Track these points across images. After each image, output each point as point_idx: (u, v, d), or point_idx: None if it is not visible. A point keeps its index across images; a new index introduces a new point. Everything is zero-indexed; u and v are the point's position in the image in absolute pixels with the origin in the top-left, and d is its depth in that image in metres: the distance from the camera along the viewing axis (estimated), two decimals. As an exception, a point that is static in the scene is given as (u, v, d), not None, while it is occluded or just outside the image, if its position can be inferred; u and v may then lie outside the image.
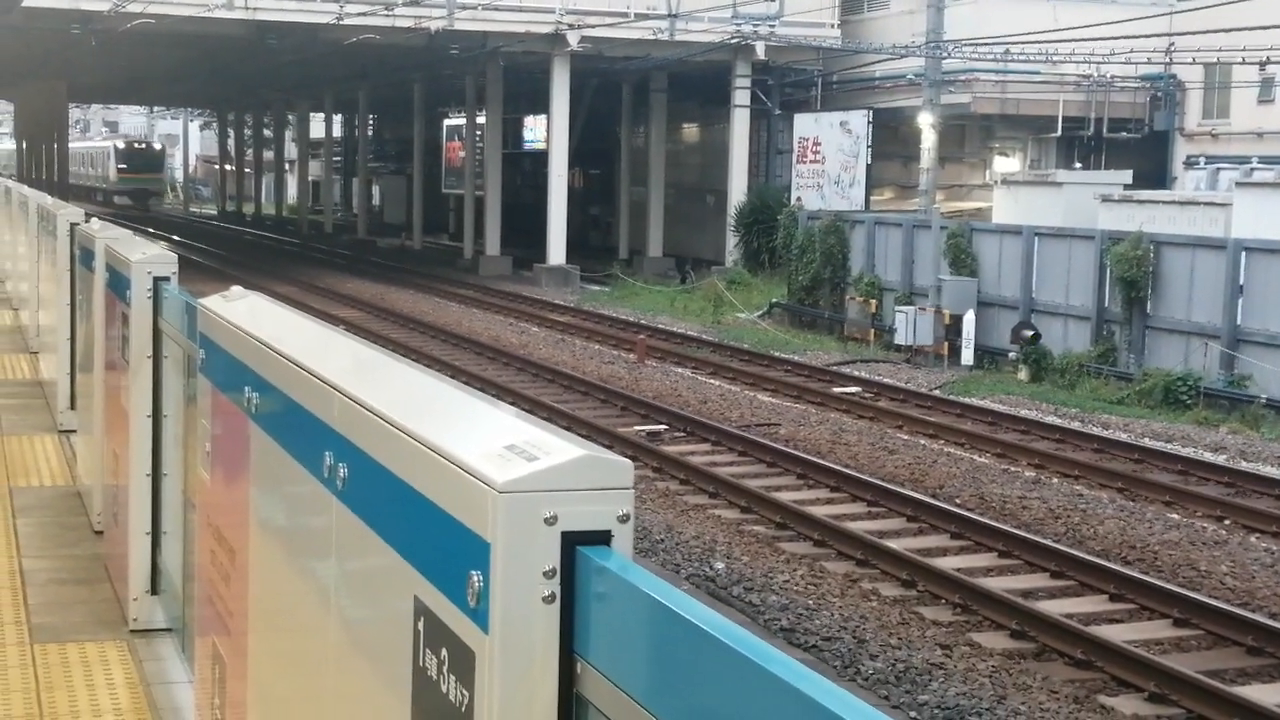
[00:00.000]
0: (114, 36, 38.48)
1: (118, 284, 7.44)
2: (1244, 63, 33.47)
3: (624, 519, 2.20)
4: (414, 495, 2.50)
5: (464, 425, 2.56)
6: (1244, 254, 22.97)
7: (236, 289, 4.98)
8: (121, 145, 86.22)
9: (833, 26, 41.40)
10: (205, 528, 4.84)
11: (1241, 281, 22.97)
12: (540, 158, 43.21)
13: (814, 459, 17.44)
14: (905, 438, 19.52)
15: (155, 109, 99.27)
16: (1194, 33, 32.40)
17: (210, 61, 48.60)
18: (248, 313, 4.49)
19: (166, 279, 6.83)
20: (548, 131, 42.98)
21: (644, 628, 2.03)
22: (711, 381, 24.15)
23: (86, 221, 10.27)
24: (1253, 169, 32.35)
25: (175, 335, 6.38)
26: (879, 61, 39.86)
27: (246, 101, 72.08)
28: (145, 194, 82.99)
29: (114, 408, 7.64)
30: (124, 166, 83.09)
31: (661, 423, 20.08)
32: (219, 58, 46.71)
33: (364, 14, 37.22)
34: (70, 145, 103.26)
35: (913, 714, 9.81)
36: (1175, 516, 15.43)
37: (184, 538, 6.30)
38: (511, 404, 2.57)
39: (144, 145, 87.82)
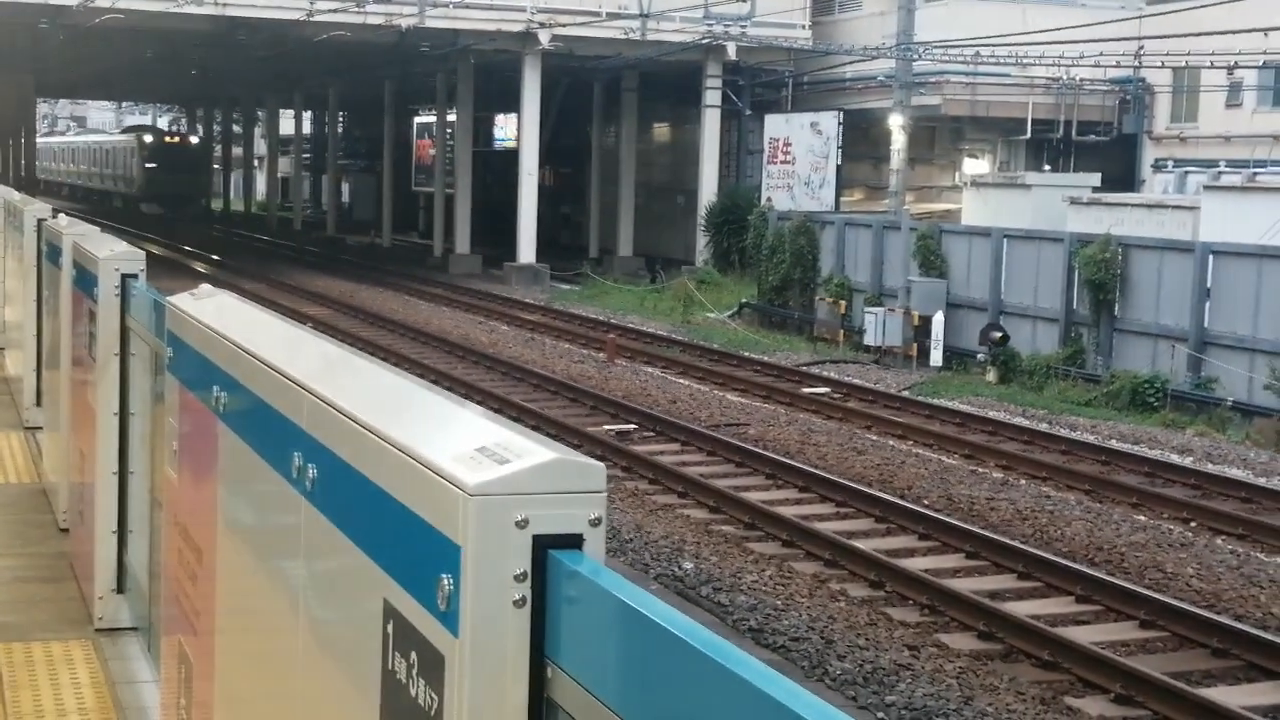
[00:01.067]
0: (82, 31, 38.28)
1: (85, 281, 7.41)
2: (1212, 67, 33.63)
3: (596, 522, 2.19)
4: (384, 497, 2.49)
5: (434, 426, 2.55)
6: (1211, 257, 23.09)
7: (205, 286, 4.96)
8: (150, 138, 69.11)
9: (804, 28, 41.46)
10: (172, 527, 4.82)
11: (1209, 284, 23.09)
12: (511, 156, 43.16)
13: (783, 459, 17.45)
14: (874, 438, 19.55)
15: (123, 104, 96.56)
16: (1163, 36, 32.54)
17: (179, 57, 48.35)
18: (216, 311, 4.47)
19: (134, 276, 6.80)
20: (518, 130, 42.92)
21: (615, 632, 2.02)
22: (681, 381, 24.15)
23: (54, 217, 10.21)
24: (1220, 172, 32.54)
25: (143, 333, 6.34)
26: (850, 63, 39.94)
27: (215, 97, 71.82)
28: (181, 201, 67.39)
29: (81, 405, 7.60)
30: (153, 165, 66.67)
31: (631, 422, 20.07)
32: (188, 53, 46.47)
33: (334, 10, 37.08)
34: (72, 139, 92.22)
35: (880, 715, 9.82)
36: (1142, 518, 15.49)
37: (150, 536, 6.27)
38: (480, 403, 2.56)
39: (178, 138, 71.66)
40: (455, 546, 2.17)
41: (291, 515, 3.10)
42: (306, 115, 68.80)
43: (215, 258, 45.20)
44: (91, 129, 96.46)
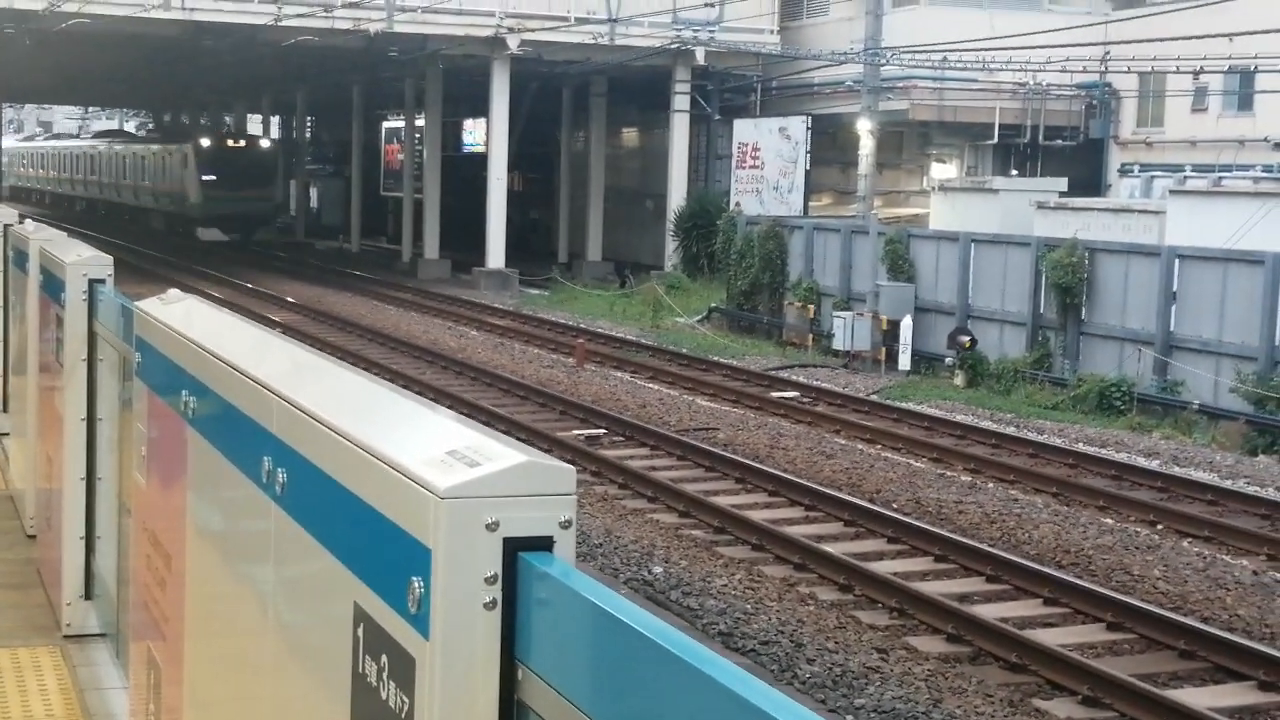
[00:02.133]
0: (49, 36, 38.08)
1: (52, 286, 7.38)
2: (1178, 72, 33.80)
3: (566, 525, 2.20)
4: (354, 501, 2.49)
5: (405, 430, 2.56)
6: (1177, 261, 23.22)
7: (173, 291, 4.95)
8: (208, 143, 53.81)
9: (772, 32, 41.54)
10: (141, 532, 4.80)
11: (1174, 288, 23.22)
12: (479, 161, 43.11)
13: (752, 463, 17.48)
14: (843, 442, 19.60)
15: (90, 109, 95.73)
16: (1129, 42, 32.71)
17: (146, 62, 48.17)
18: (185, 316, 4.46)
19: (102, 281, 6.78)
20: (487, 135, 42.86)
21: (586, 634, 2.03)
22: (650, 386, 24.16)
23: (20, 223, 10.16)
24: (1186, 177, 32.71)
25: (111, 338, 6.32)
26: (818, 68, 40.01)
27: (183, 102, 71.52)
28: (249, 224, 54.38)
29: (48, 411, 7.57)
30: (212, 178, 51.92)
31: (600, 427, 20.07)
32: (155, 58, 46.30)
33: (302, 15, 36.99)
34: (70, 144, 78.44)
35: (849, 718, 9.85)
36: (1109, 521, 15.57)
37: (119, 542, 6.24)
38: (449, 408, 2.57)
39: (244, 141, 55.74)
40: (426, 549, 2.17)
41: (261, 520, 3.10)
42: (274, 120, 68.49)
43: (183, 263, 45.01)
44: (108, 132, 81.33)
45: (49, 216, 48.15)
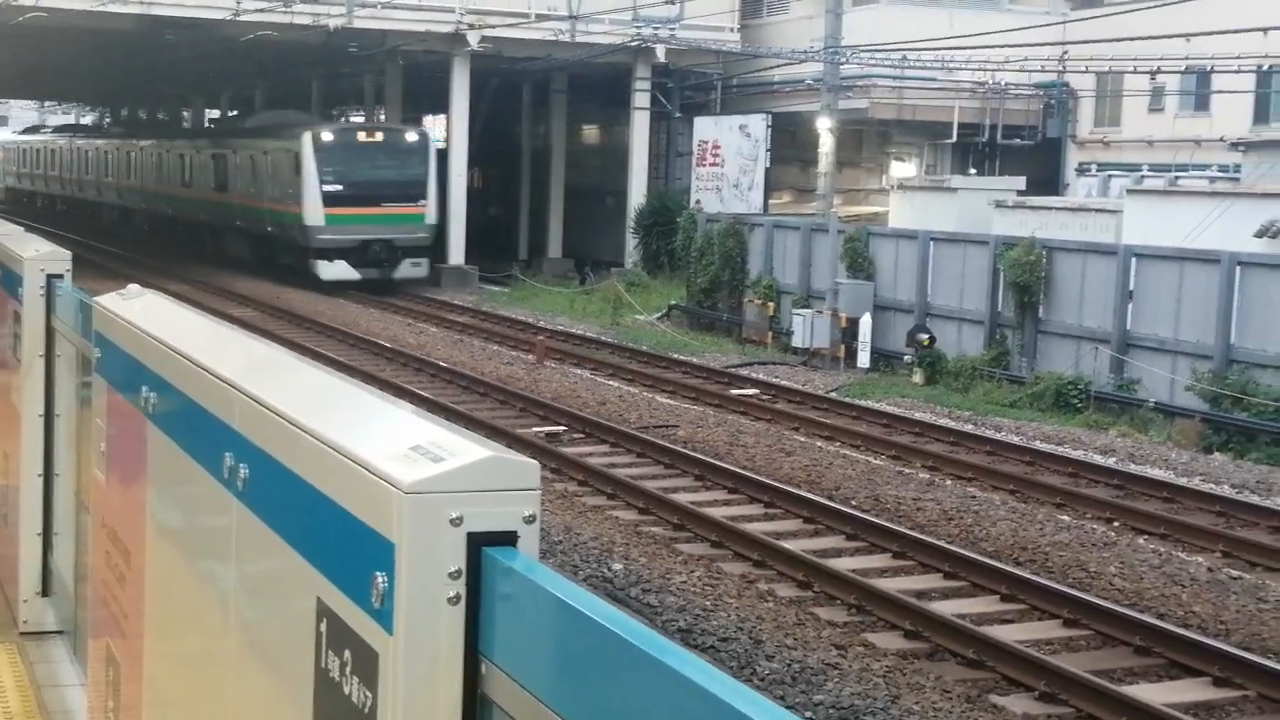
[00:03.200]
0: (5, 30, 37.78)
1: (9, 281, 7.33)
2: (1135, 71, 34.01)
3: (529, 520, 2.21)
4: (317, 496, 2.49)
5: (368, 425, 2.56)
6: (1134, 260, 23.38)
7: (133, 287, 4.93)
8: (332, 135, 38.12)
9: (732, 30, 41.59)
10: (100, 529, 4.78)
11: (1131, 287, 23.37)
12: (440, 157, 43.00)
13: (712, 460, 17.51)
14: (802, 439, 19.65)
15: (46, 104, 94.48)
16: (1086, 41, 32.88)
17: (104, 56, 47.80)
18: (144, 311, 4.45)
19: (60, 276, 6.74)
20: (447, 131, 42.75)
21: (549, 628, 2.04)
22: (610, 383, 24.16)
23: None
24: (1143, 176, 32.97)
25: (69, 334, 6.29)
26: (778, 66, 40.08)
27: (141, 97, 71.05)
28: (393, 255, 37.48)
29: (5, 407, 7.53)
30: (338, 188, 36.83)
31: (560, 424, 20.07)
32: (113, 52, 45.97)
33: (261, 10, 36.79)
34: (147, 140, 55.17)
35: (808, 714, 9.88)
36: (1066, 518, 15.66)
37: (76, 539, 6.21)
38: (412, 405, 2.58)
39: (380, 136, 38.66)
40: (390, 544, 2.18)
41: (223, 516, 3.10)
42: (233, 115, 68.10)
43: (139, 259, 44.70)
44: (147, 123, 65.99)
45: (63, 233, 42.81)
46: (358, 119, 54.03)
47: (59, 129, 77.77)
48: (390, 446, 2.32)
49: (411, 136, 38.78)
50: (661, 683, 1.78)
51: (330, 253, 37.04)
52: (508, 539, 2.19)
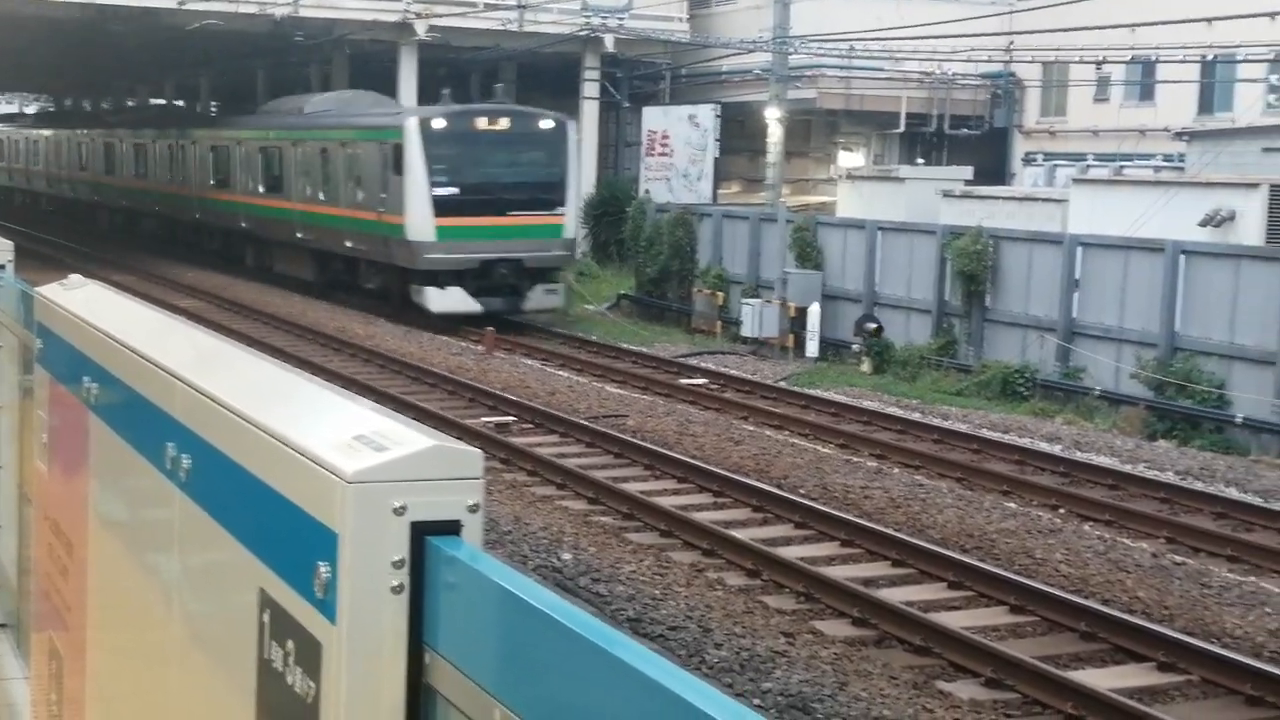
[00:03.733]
0: (-55, 17, 37.40)
1: (-50, 272, 7.25)
2: (1080, 62, 34.28)
3: (474, 509, 2.20)
4: (260, 486, 2.48)
5: (311, 416, 2.55)
6: (1079, 249, 23.54)
7: (75, 277, 4.89)
8: (444, 123, 29.30)
9: (681, 20, 41.62)
10: (42, 521, 4.75)
11: (1077, 276, 23.55)
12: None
13: (661, 450, 17.53)
14: (751, 429, 19.70)
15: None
16: (1033, 32, 33.11)
17: (49, 45, 47.37)
18: (87, 302, 4.41)
19: (2, 267, 6.67)
20: (395, 120, 42.37)
21: (494, 617, 2.04)
22: (560, 373, 24.15)
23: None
24: (1088, 166, 33.20)
25: (10, 325, 6.23)
26: (727, 56, 40.16)
27: (86, 86, 70.42)
28: (521, 279, 29.33)
29: (-54, 399, 7.44)
30: (453, 192, 28.96)
31: (510, 414, 20.05)
32: (57, 41, 45.54)
33: (207, -1, 36.62)
34: (185, 132, 44.32)
35: (756, 701, 9.91)
36: (1012, 505, 15.77)
37: (19, 531, 6.16)
38: (359, 395, 2.57)
39: (506, 122, 29.92)
40: (333, 534, 2.17)
41: (165, 507, 3.08)
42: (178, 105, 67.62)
43: (83, 249, 44.35)
44: (164, 110, 57.60)
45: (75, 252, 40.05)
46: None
47: (40, 118, 71.49)
48: (333, 436, 2.30)
49: (546, 123, 30.03)
50: (606, 671, 1.78)
51: (442, 277, 28.61)
52: (451, 528, 2.19)
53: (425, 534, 2.17)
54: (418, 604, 2.17)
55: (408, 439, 2.23)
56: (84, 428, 3.99)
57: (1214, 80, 36.08)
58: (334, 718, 2.18)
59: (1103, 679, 10.52)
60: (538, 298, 29.35)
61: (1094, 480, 16.98)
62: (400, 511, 2.15)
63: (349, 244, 31.61)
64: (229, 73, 54.01)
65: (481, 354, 25.76)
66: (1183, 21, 29.53)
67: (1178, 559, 13.84)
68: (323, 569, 2.18)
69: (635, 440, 18.07)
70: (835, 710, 9.77)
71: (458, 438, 2.32)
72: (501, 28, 39.25)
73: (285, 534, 2.36)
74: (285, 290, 35.44)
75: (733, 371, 24.70)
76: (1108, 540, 14.41)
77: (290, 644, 2.32)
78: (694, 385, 23.03)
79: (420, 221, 28.58)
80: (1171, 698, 10.39)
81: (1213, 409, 20.63)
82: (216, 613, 2.83)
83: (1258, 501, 16.26)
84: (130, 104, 62.09)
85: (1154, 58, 33.09)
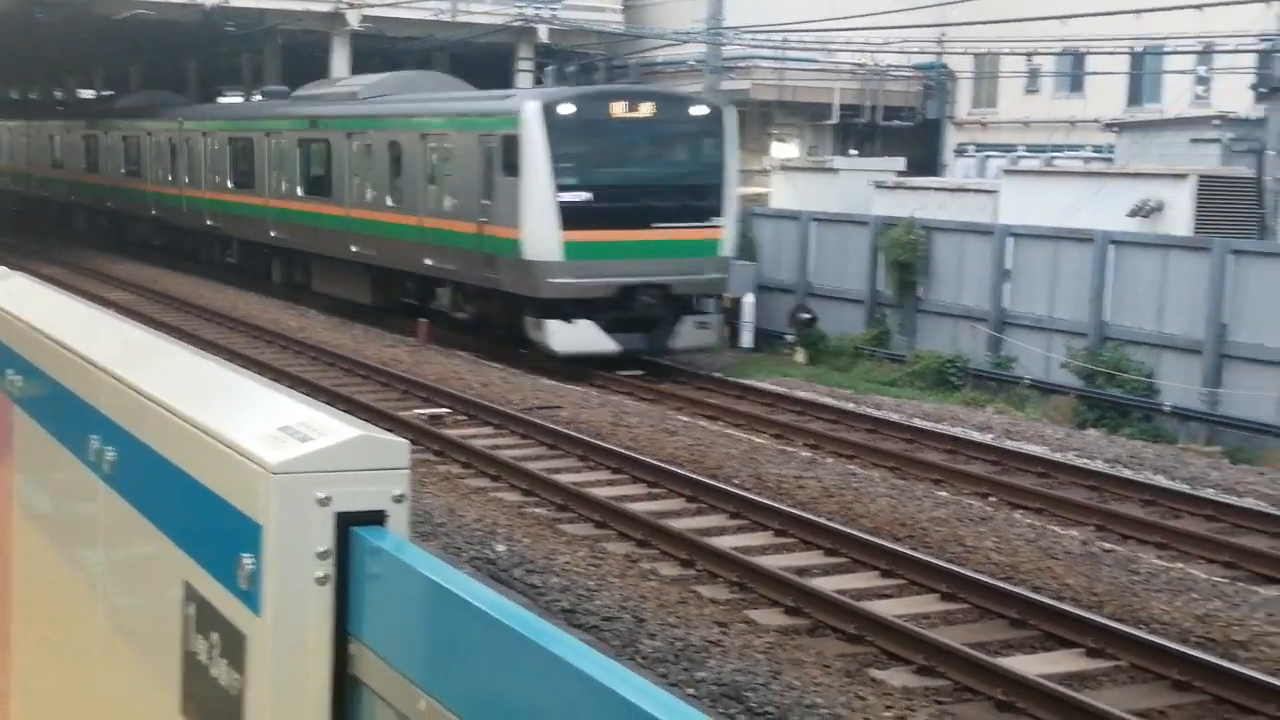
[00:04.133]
0: None
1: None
2: (1012, 54, 34.52)
3: (399, 499, 2.21)
4: (184, 479, 2.47)
5: (237, 407, 2.54)
6: (1010, 239, 23.75)
7: (0, 269, 4.84)
8: (571, 107, 22.81)
9: (616, 11, 41.60)
10: (-34, 515, 4.70)
11: (1008, 266, 23.74)
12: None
13: (595, 441, 17.53)
14: (685, 419, 19.73)
15: None
16: (964, 24, 33.31)
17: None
18: (9, 294, 4.37)
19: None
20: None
21: (419, 608, 2.04)
22: (493, 365, 24.08)
23: None
24: (1019, 157, 33.44)
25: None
26: (661, 47, 40.17)
27: (10, 77, 69.51)
28: (668, 309, 23.23)
29: None
30: (585, 198, 22.64)
31: (444, 406, 19.99)
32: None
33: (136, -13, 36.25)
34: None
35: (690, 691, 9.95)
36: (944, 494, 15.88)
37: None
38: (289, 388, 2.56)
39: (649, 108, 23.50)
40: (257, 526, 2.17)
41: (90, 500, 3.06)
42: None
43: (8, 242, 43.86)
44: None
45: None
46: (235, 99, 52.86)
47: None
48: (258, 427, 2.30)
49: (699, 109, 23.96)
50: (530, 660, 1.79)
51: (570, 307, 22.66)
52: (377, 518, 2.19)
53: (350, 524, 2.17)
54: (343, 595, 2.17)
55: (332, 430, 2.23)
56: (8, 421, 3.96)
57: (1143, 72, 36.45)
58: (259, 710, 2.18)
59: (1032, 665, 10.62)
60: (688, 333, 23.44)
61: (1025, 469, 17.13)
62: (325, 502, 2.15)
63: (430, 262, 25.49)
64: (159, 63, 53.50)
65: (415, 345, 25.66)
66: (1112, 13, 29.84)
67: (1107, 546, 13.99)
68: (247, 561, 2.18)
69: (569, 432, 18.06)
70: (768, 699, 9.82)
71: (389, 429, 2.32)
72: (434, 18, 39.09)
73: (210, 526, 2.36)
74: (217, 282, 35.14)
75: (666, 362, 24.71)
76: (1038, 528, 14.55)
77: (215, 636, 2.32)
78: (629, 376, 23.02)
79: (542, 236, 22.45)
80: (1100, 683, 10.51)
81: (1141, 397, 20.87)
82: (142, 606, 2.82)
83: (1185, 489, 16.47)
84: (105, 93, 57.25)
85: (1084, 49, 33.38)
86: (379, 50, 41.70)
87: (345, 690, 2.17)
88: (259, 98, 41.02)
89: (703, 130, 23.80)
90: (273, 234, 32.31)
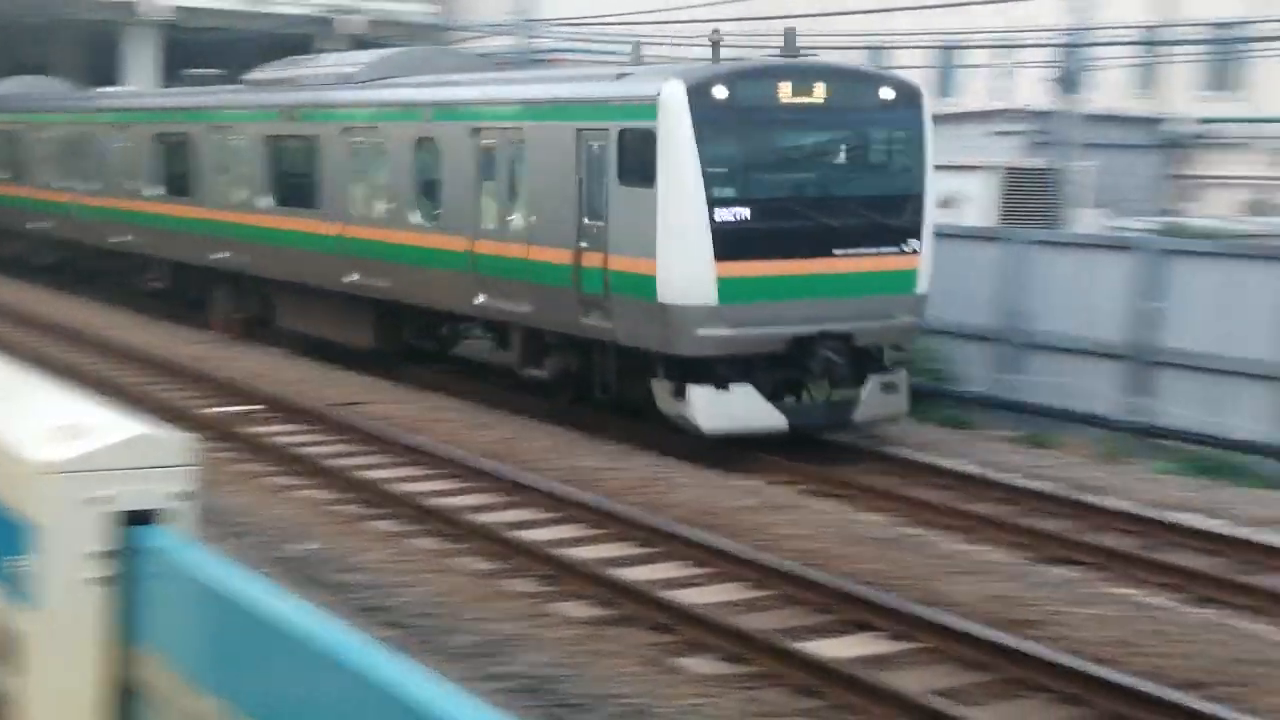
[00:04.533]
0: None
1: None
2: (819, 46, 34.95)
3: (183, 496, 2.19)
4: (-43, 480, 2.43)
5: (13, 406, 2.50)
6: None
7: None
8: (724, 90, 16.29)
9: (430, 1, 41.34)
10: None
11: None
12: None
13: (407, 437, 17.41)
14: (500, 414, 19.66)
15: None
16: (771, 18, 33.64)
17: None
18: None
19: None
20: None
21: (198, 608, 2.04)
22: (303, 359, 23.75)
23: None
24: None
25: None
26: (473, 38, 40.01)
27: None
28: (856, 366, 17.23)
29: None
30: (742, 214, 16.42)
31: (255, 402, 19.67)
32: None
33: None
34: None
35: (495, 685, 9.95)
36: (753, 484, 16.07)
37: None
38: (88, 389, 2.51)
39: (824, 86, 16.98)
40: (31, 526, 2.14)
41: None
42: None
43: None
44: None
45: None
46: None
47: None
48: (34, 427, 2.27)
49: (887, 91, 17.62)
50: (308, 660, 1.80)
51: (724, 368, 16.71)
52: (158, 517, 2.18)
53: (129, 524, 2.15)
54: (121, 595, 2.15)
55: (112, 427, 2.21)
56: None
57: (948, 66, 37.30)
58: (35, 713, 2.15)
59: (835, 648, 10.83)
60: (874, 399, 17.55)
61: (832, 459, 17.40)
62: (102, 501, 2.13)
63: (483, 299, 19.22)
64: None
65: (226, 343, 25.21)
66: (917, 8, 30.51)
67: (909, 531, 14.33)
68: (22, 562, 2.15)
69: (381, 428, 17.91)
70: (577, 689, 9.88)
71: (189, 428, 2.31)
72: (237, 9, 38.42)
73: (-16, 527, 2.32)
74: (18, 280, 34.00)
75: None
76: (843, 515, 14.82)
77: (-10, 639, 2.29)
78: (444, 370, 22.86)
79: (688, 270, 16.36)
80: (900, 664, 10.74)
81: (944, 385, 21.29)
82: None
83: (986, 473, 16.89)
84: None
85: (883, 43, 34.03)
86: (181, 42, 40.85)
87: (123, 690, 2.16)
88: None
89: (896, 120, 17.65)
90: (216, 255, 25.56)
